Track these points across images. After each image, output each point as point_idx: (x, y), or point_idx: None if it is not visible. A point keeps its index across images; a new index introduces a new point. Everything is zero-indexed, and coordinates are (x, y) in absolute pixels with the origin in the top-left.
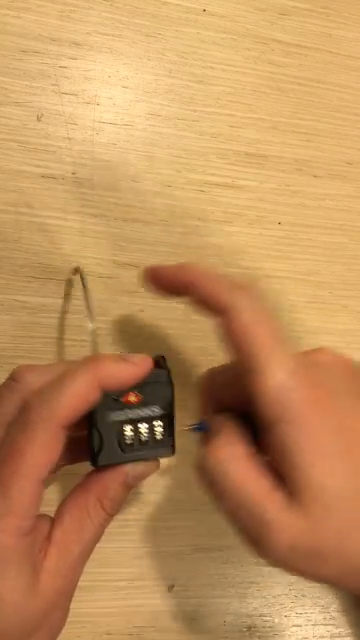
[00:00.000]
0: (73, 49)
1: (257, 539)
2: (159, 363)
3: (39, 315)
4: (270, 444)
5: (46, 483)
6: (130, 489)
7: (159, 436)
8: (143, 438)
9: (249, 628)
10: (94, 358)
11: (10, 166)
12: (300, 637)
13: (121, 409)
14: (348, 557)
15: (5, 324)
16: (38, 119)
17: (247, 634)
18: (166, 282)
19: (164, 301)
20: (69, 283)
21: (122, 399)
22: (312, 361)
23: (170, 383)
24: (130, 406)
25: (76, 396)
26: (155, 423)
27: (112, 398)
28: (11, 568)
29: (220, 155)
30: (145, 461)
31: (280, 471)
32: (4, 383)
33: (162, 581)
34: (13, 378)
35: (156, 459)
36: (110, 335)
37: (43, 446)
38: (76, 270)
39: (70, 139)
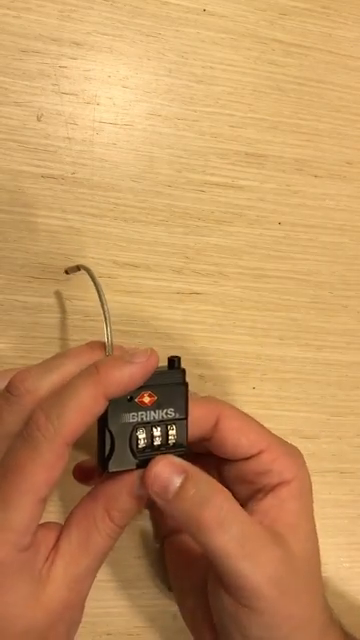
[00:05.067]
0: (73, 49)
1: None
2: (174, 363)
3: (39, 315)
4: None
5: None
6: (141, 500)
7: (172, 440)
8: (156, 442)
9: None
10: (96, 366)
11: (10, 166)
12: None
13: (135, 410)
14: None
15: (5, 324)
16: (38, 119)
17: None
18: None
19: (163, 301)
20: (86, 270)
21: (136, 399)
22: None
23: (185, 384)
24: (144, 407)
25: (80, 411)
26: (169, 427)
27: (126, 398)
28: (8, 582)
29: (220, 155)
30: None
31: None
32: (2, 395)
33: (162, 581)
34: (10, 391)
35: None
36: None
37: (45, 465)
38: (78, 268)
39: (70, 139)
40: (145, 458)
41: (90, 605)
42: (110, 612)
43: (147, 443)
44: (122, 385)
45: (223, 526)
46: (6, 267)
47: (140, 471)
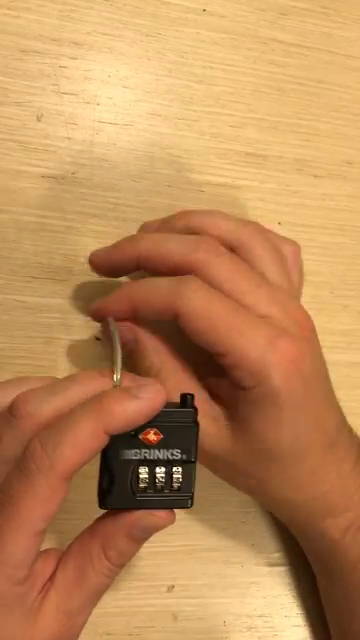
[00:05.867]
0: (73, 49)
1: None
2: (186, 401)
3: (39, 315)
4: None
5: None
6: (140, 542)
7: (176, 484)
8: (159, 484)
9: (249, 628)
10: (97, 400)
11: (10, 166)
12: (300, 637)
13: (138, 447)
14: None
15: (5, 324)
16: (38, 119)
17: (247, 634)
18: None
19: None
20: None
21: (140, 436)
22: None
23: (195, 425)
24: (148, 445)
25: (78, 447)
26: (174, 469)
27: (129, 433)
28: (1, 615)
29: (220, 155)
30: (157, 510)
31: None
32: (3, 416)
33: (162, 581)
34: (12, 413)
35: (171, 510)
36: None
37: (41, 500)
38: (105, 324)
39: (70, 139)
40: (146, 500)
41: None
42: (110, 612)
43: (149, 483)
44: (125, 421)
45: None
46: (6, 267)
47: (140, 512)
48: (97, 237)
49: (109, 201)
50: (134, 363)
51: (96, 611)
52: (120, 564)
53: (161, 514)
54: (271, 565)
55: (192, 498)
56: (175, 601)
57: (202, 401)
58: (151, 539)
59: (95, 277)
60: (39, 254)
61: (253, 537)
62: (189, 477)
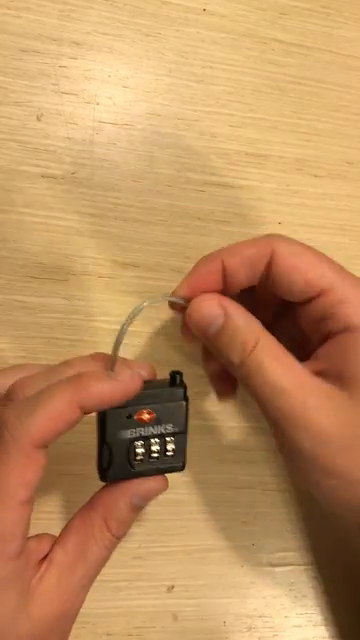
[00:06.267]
0: (73, 49)
1: (295, 423)
2: (175, 379)
3: (39, 315)
4: (336, 343)
5: (42, 484)
6: (137, 510)
7: (170, 452)
8: (154, 455)
9: (249, 629)
10: (77, 377)
11: (10, 166)
12: (300, 637)
13: (134, 427)
14: None
15: (5, 324)
16: (38, 119)
17: (247, 635)
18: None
19: (163, 300)
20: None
21: (135, 417)
22: None
23: (185, 401)
24: (143, 424)
25: (51, 417)
26: (167, 439)
27: (125, 416)
28: None
29: (220, 155)
30: (152, 476)
31: (335, 370)
32: (2, 401)
33: (162, 581)
34: (10, 397)
35: (164, 476)
36: (110, 336)
37: (16, 467)
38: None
39: (70, 139)
40: (143, 469)
41: (90, 605)
42: (110, 612)
43: (145, 455)
44: (100, 400)
45: (260, 368)
46: (6, 267)
47: (138, 480)
48: (97, 237)
49: (109, 201)
50: (224, 344)
51: (96, 611)
52: (119, 535)
53: (156, 479)
54: (271, 565)
55: (184, 462)
56: (175, 601)
57: (309, 377)
58: (151, 540)
59: (95, 277)
60: (39, 254)
61: (253, 537)
62: (181, 445)
